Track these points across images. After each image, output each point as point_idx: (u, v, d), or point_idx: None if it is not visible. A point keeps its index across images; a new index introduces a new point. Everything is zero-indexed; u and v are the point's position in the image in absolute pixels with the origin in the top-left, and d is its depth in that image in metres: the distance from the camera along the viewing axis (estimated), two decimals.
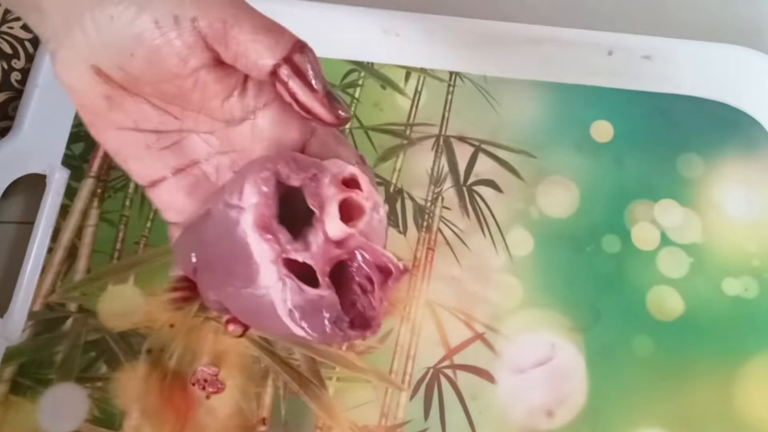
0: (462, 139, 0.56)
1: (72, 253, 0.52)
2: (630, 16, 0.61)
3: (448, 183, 0.55)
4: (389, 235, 0.53)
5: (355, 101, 0.58)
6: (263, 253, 0.29)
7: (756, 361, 0.50)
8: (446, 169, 0.55)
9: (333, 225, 0.30)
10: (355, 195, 0.31)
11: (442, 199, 0.55)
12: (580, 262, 0.52)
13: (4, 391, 0.48)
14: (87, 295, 0.51)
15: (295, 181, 0.30)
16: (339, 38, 0.58)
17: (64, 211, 0.53)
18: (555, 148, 0.56)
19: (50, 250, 0.52)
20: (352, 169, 0.31)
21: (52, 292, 0.51)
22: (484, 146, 0.56)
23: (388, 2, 0.57)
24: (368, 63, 0.59)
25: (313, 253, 0.30)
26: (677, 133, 0.57)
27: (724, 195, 0.55)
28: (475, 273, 0.52)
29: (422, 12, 0.57)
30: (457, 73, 0.59)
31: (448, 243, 0.53)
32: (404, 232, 0.53)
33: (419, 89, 0.58)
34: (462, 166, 0.56)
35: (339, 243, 0.31)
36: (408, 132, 0.57)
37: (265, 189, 0.30)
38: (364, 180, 0.31)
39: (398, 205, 0.54)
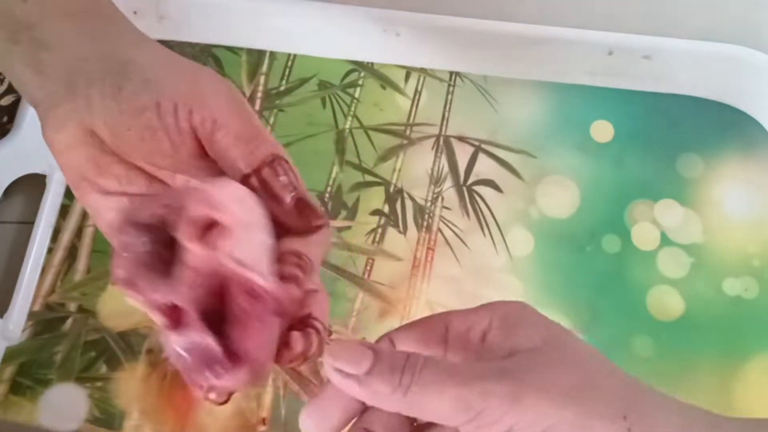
0: (462, 139, 0.56)
1: (72, 253, 0.52)
2: (630, 16, 0.61)
3: (448, 183, 0.55)
4: (389, 235, 0.53)
5: (355, 101, 0.58)
6: (138, 305, 0.28)
7: (756, 361, 0.50)
8: (446, 169, 0.55)
9: (191, 248, 0.27)
10: (216, 214, 0.28)
11: (442, 199, 0.55)
12: (580, 262, 0.52)
13: (4, 391, 0.48)
14: (87, 295, 0.51)
15: (145, 217, 0.28)
16: (339, 38, 0.58)
17: (64, 211, 0.53)
18: (555, 148, 0.56)
19: (50, 250, 0.52)
20: (219, 183, 0.28)
21: (52, 292, 0.51)
22: (484, 146, 0.56)
23: (388, 2, 0.57)
24: (368, 63, 0.59)
25: (180, 291, 0.28)
26: (677, 133, 0.57)
27: (724, 195, 0.55)
28: (475, 273, 0.52)
29: (422, 12, 0.57)
30: (457, 73, 0.59)
31: (448, 243, 0.53)
32: (404, 232, 0.53)
33: (419, 89, 0.58)
34: (462, 166, 0.56)
35: (203, 272, 0.28)
36: (408, 132, 0.57)
37: (123, 238, 0.28)
38: (232, 198, 0.28)
39: (398, 205, 0.54)
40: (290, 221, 0.30)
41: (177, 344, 0.28)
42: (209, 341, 0.28)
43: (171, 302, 0.28)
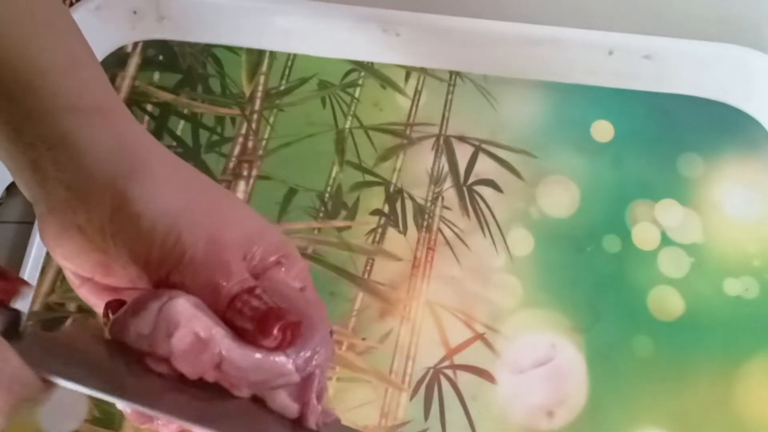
0: (462, 138, 0.56)
1: None
2: (630, 16, 0.61)
3: (448, 183, 0.55)
4: (389, 235, 0.53)
5: (355, 101, 0.58)
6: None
7: (756, 361, 0.50)
8: (446, 168, 0.55)
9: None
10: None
11: (442, 198, 0.54)
12: (580, 262, 0.52)
13: None
14: None
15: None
16: (339, 38, 0.58)
17: None
18: (555, 148, 0.56)
19: None
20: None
21: (52, 292, 0.51)
22: (484, 146, 0.56)
23: (388, 2, 0.57)
24: (368, 63, 0.59)
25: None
26: (677, 133, 0.56)
27: (725, 195, 0.55)
28: (475, 273, 0.52)
29: (422, 12, 0.57)
30: (457, 73, 0.58)
31: (448, 243, 0.53)
32: (404, 232, 0.53)
33: (419, 89, 0.58)
34: (462, 166, 0.56)
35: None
36: (408, 132, 0.57)
37: None
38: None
39: (398, 205, 0.54)
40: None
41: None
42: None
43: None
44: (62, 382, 0.26)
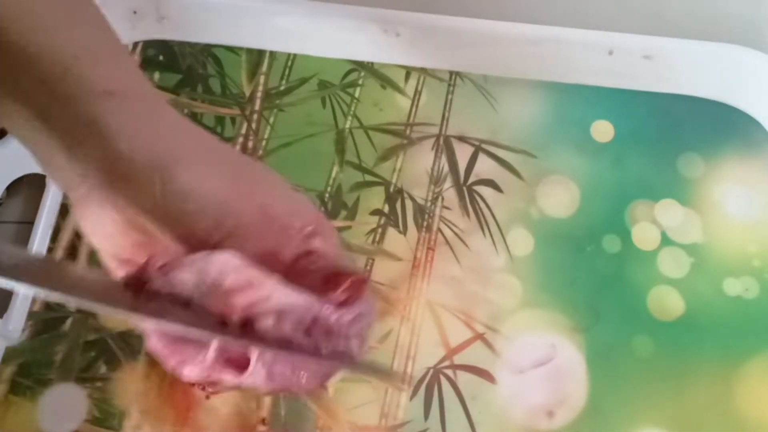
0: (462, 138, 0.56)
1: (72, 253, 0.52)
2: (630, 16, 0.61)
3: (448, 183, 0.55)
4: (389, 235, 0.53)
5: (355, 101, 0.58)
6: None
7: (756, 361, 0.50)
8: (446, 168, 0.55)
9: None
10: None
11: (442, 198, 0.55)
12: (580, 262, 0.52)
13: (4, 391, 0.48)
14: None
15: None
16: (339, 38, 0.58)
17: (64, 211, 0.53)
18: (555, 148, 0.56)
19: (50, 250, 0.52)
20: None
21: None
22: (484, 146, 0.56)
23: (388, 2, 0.57)
24: (368, 63, 0.59)
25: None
26: (677, 133, 0.57)
27: (725, 195, 0.55)
28: (475, 273, 0.52)
29: (422, 12, 0.57)
30: (457, 73, 0.59)
31: (448, 243, 0.53)
32: (404, 232, 0.53)
33: (419, 89, 0.58)
34: (462, 166, 0.56)
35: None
36: (408, 132, 0.57)
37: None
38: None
39: (398, 205, 0.54)
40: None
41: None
42: (297, 298, 0.29)
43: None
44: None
